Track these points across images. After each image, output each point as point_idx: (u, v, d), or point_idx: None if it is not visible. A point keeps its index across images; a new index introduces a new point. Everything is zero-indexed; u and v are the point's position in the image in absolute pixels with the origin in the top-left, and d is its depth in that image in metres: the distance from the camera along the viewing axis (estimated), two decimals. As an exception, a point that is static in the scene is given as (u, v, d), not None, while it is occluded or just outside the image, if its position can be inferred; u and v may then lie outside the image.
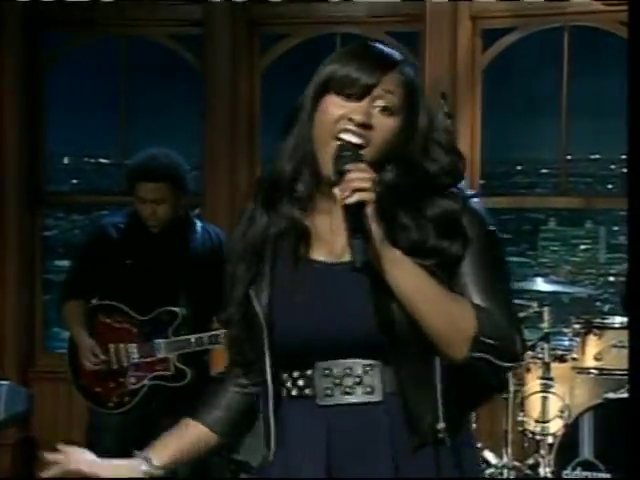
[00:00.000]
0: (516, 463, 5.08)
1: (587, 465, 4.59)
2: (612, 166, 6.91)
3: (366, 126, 2.15)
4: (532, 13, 6.17)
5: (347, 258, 2.14)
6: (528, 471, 4.97)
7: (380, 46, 2.27)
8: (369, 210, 2.05)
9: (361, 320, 2.14)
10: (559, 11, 6.13)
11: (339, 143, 2.14)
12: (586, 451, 4.62)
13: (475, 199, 2.24)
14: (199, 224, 4.94)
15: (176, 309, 4.69)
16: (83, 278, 4.82)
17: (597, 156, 6.82)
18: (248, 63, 6.43)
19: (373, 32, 6.29)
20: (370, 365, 2.17)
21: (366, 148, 2.15)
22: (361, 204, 2.05)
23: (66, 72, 6.65)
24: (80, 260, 4.90)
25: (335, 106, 2.17)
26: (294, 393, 2.22)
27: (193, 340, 4.67)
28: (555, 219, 7.20)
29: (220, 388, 2.41)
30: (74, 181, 7.41)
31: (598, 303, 6.72)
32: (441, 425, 2.16)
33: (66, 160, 7.36)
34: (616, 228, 7.28)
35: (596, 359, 4.77)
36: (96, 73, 6.70)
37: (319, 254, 2.24)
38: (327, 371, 2.19)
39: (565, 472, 4.64)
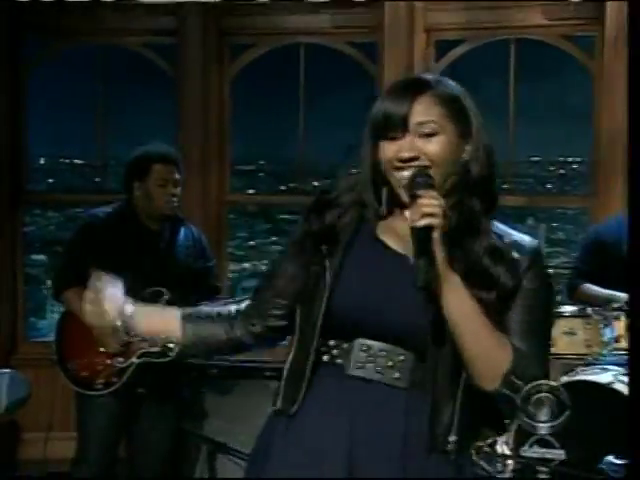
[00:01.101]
0: (478, 442, 5.10)
1: (543, 443, 4.62)
2: (551, 167, 7.01)
3: (413, 158, 2.16)
4: (481, 26, 6.29)
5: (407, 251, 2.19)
6: (487, 449, 4.99)
7: (412, 75, 2.38)
8: (435, 234, 2.08)
9: (412, 315, 2.16)
10: (506, 25, 6.24)
11: (415, 170, 2.16)
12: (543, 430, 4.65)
13: (540, 252, 2.26)
14: (186, 225, 4.93)
15: (162, 288, 4.66)
16: (80, 266, 4.76)
17: (537, 158, 6.90)
18: (218, 71, 6.45)
19: (335, 42, 6.34)
20: (405, 355, 2.19)
21: (427, 170, 2.17)
22: (429, 228, 2.07)
23: (45, 77, 6.60)
24: (75, 249, 4.82)
25: (386, 149, 2.19)
26: (325, 359, 2.24)
27: None
28: (500, 216, 7.26)
29: (224, 313, 2.41)
30: (50, 180, 7.35)
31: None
32: (452, 437, 2.18)
33: (42, 160, 7.31)
34: (555, 224, 7.39)
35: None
36: (74, 78, 6.68)
37: (393, 243, 2.25)
38: (365, 347, 2.20)
39: (523, 449, 4.67)
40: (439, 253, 2.09)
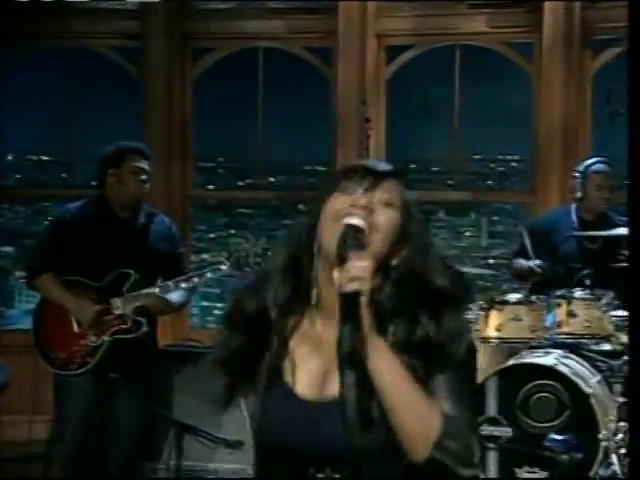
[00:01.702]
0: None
1: (492, 421, 4.70)
2: (492, 165, 7.11)
3: (368, 213, 2.00)
4: (429, 33, 6.37)
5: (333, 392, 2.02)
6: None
7: (374, 164, 2.09)
8: (363, 299, 1.93)
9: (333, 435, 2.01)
10: (452, 31, 6.32)
11: (345, 227, 1.97)
12: (492, 409, 4.74)
13: (465, 318, 2.12)
14: (157, 215, 4.98)
15: (129, 270, 4.71)
16: (53, 254, 4.80)
17: (479, 156, 7.00)
18: (181, 72, 6.48)
19: (291, 47, 6.38)
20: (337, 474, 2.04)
21: (369, 236, 1.99)
22: (357, 293, 1.92)
23: (15, 78, 6.55)
24: (48, 239, 4.87)
25: (339, 199, 2.03)
26: None
27: (145, 293, 4.69)
28: (444, 210, 7.36)
29: None
30: (17, 176, 7.32)
31: (490, 284, 6.90)
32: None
33: (10, 157, 7.26)
34: (495, 218, 7.49)
35: (497, 330, 4.88)
36: (42, 79, 6.65)
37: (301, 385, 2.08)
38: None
39: None
40: (365, 318, 1.94)
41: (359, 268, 1.91)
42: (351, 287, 1.91)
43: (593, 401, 4.60)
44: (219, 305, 6.95)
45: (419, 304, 2.04)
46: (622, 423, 4.70)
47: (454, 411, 1.99)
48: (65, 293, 4.71)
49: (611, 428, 4.65)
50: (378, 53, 6.33)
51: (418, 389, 1.98)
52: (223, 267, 4.69)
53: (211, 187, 6.99)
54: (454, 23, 6.31)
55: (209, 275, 4.75)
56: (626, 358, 4.83)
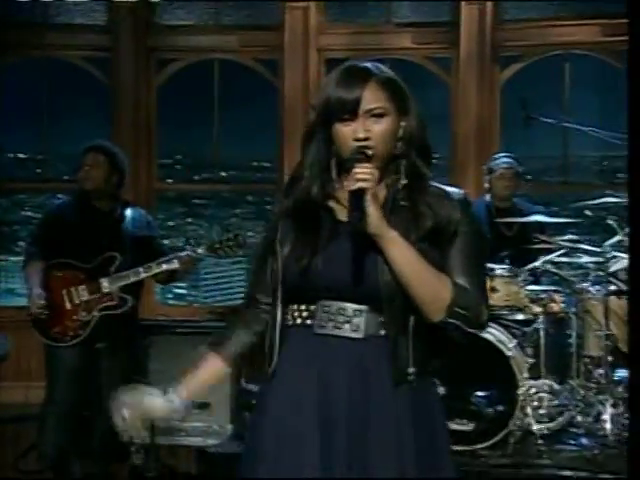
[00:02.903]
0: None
1: None
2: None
3: (368, 138, 2.10)
4: (362, 48, 6.43)
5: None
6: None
7: (358, 64, 2.19)
8: (367, 196, 2.04)
9: (361, 275, 2.11)
10: (382, 47, 6.42)
11: (353, 149, 2.09)
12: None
13: (468, 201, 2.21)
14: (133, 207, 5.01)
15: (115, 253, 4.74)
16: (41, 244, 4.81)
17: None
18: (146, 80, 6.48)
19: (243, 59, 6.42)
20: (359, 310, 2.14)
21: (373, 150, 2.10)
22: (361, 190, 2.04)
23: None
24: (40, 230, 4.90)
25: (341, 132, 2.13)
26: (298, 322, 2.18)
27: (130, 272, 4.72)
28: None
29: (238, 323, 2.30)
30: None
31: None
32: (411, 369, 2.13)
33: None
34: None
35: None
36: (22, 86, 6.58)
37: (341, 214, 2.17)
38: (326, 308, 2.15)
39: None
40: (373, 212, 2.04)
41: (361, 171, 2.04)
42: (355, 186, 2.03)
43: (512, 362, 4.75)
44: (178, 284, 6.96)
45: (422, 199, 2.13)
46: (532, 381, 4.88)
47: (464, 281, 2.09)
48: (34, 281, 4.70)
49: (525, 385, 4.81)
50: (319, 65, 6.41)
51: (429, 266, 2.08)
52: (200, 250, 4.73)
53: (170, 181, 6.99)
54: (384, 40, 6.43)
55: (188, 257, 4.77)
56: (535, 325, 5.02)
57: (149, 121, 6.49)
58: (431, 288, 2.08)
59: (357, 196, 2.05)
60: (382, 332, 2.13)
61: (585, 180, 6.56)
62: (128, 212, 4.96)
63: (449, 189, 2.21)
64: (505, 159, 5.56)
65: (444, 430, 2.26)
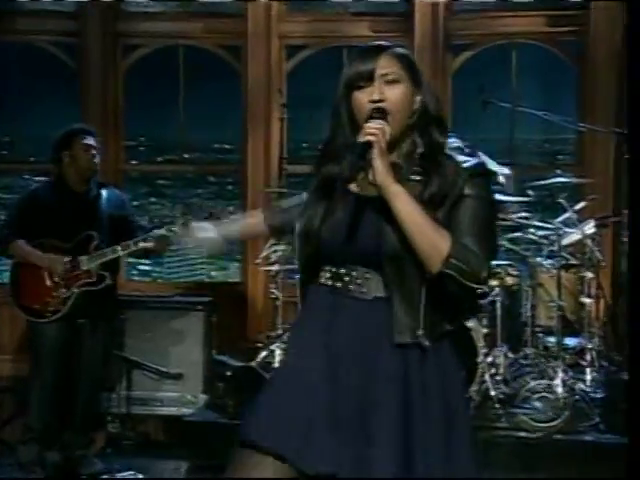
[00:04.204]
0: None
1: None
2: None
3: (382, 100, 2.16)
4: (321, 35, 6.43)
5: (369, 193, 2.18)
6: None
7: (373, 42, 2.28)
8: (375, 149, 2.10)
9: (367, 240, 2.19)
10: (339, 35, 6.41)
11: (370, 110, 2.16)
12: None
13: (479, 170, 2.24)
14: (108, 187, 4.97)
15: (93, 232, 4.71)
16: (20, 225, 4.74)
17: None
18: (113, 66, 6.37)
19: (207, 45, 6.36)
20: (367, 272, 2.21)
21: (388, 113, 2.16)
22: (369, 143, 2.10)
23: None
24: (18, 212, 4.83)
25: (358, 98, 2.20)
26: (322, 280, 2.29)
27: (108, 250, 4.68)
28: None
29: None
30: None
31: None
32: (420, 331, 2.15)
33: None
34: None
35: None
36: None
37: (358, 188, 2.26)
38: (342, 270, 2.24)
39: None
40: (380, 165, 2.10)
41: (372, 127, 2.11)
42: (364, 138, 2.10)
43: (473, 333, 4.84)
44: (142, 261, 6.89)
45: (435, 169, 2.19)
46: (489, 350, 4.97)
47: (469, 241, 2.13)
48: (36, 252, 4.67)
49: (483, 354, 4.91)
50: (280, 51, 6.37)
51: (430, 220, 2.13)
52: (175, 229, 4.71)
53: (134, 162, 6.92)
54: (341, 28, 6.40)
55: (164, 235, 4.74)
56: (491, 298, 5.09)
57: (116, 104, 6.38)
58: (430, 239, 2.12)
59: (364, 148, 2.10)
60: (391, 294, 2.19)
61: (529, 162, 6.66)
62: (103, 192, 4.93)
63: (462, 158, 2.23)
64: (455, 138, 5.61)
65: (459, 394, 2.29)
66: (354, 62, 2.23)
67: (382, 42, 2.28)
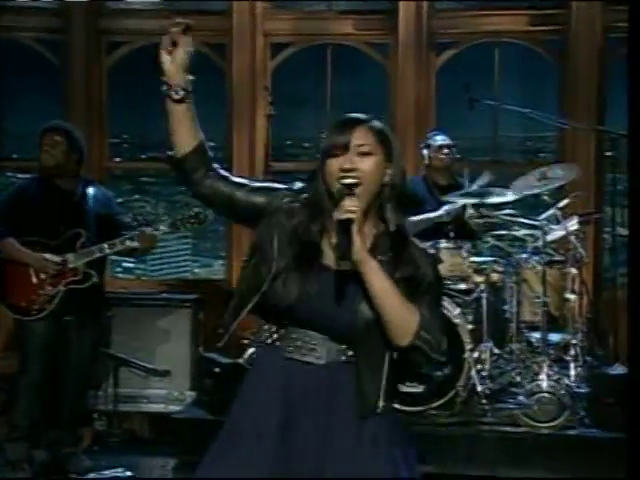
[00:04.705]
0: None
1: None
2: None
3: (352, 170, 2.19)
4: (305, 33, 6.42)
5: (342, 266, 2.19)
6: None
7: (351, 115, 2.29)
8: (354, 226, 2.14)
9: (340, 313, 2.22)
10: (324, 33, 6.41)
11: (340, 186, 2.19)
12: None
13: (437, 258, 2.36)
14: (94, 185, 4.93)
15: (80, 230, 4.67)
16: (7, 223, 4.69)
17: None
18: (97, 63, 6.34)
19: (192, 42, 6.30)
20: (324, 339, 2.24)
21: (359, 184, 2.19)
22: (348, 220, 2.14)
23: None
24: (5, 209, 4.76)
25: (331, 165, 2.22)
26: (268, 341, 2.29)
27: (95, 248, 4.65)
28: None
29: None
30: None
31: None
32: (382, 403, 2.21)
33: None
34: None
35: None
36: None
37: (328, 258, 2.27)
38: (295, 334, 2.26)
39: None
40: (357, 241, 2.15)
41: (349, 204, 2.15)
42: (343, 216, 2.14)
43: (459, 329, 4.85)
44: (126, 259, 6.86)
45: (406, 248, 2.25)
46: (475, 345, 4.98)
47: (428, 314, 2.20)
48: (24, 251, 4.63)
49: (468, 349, 4.91)
50: (264, 49, 6.36)
51: (402, 296, 2.19)
52: (162, 227, 4.69)
53: (118, 159, 6.87)
54: (326, 26, 6.40)
55: (150, 233, 4.71)
56: (476, 294, 5.11)
57: (100, 102, 6.34)
58: (402, 313, 2.19)
59: (345, 226, 2.15)
60: (346, 360, 2.23)
61: (511, 159, 6.69)
62: (90, 190, 4.89)
63: (423, 246, 2.32)
64: (441, 135, 5.64)
65: (411, 457, 2.32)
66: (333, 132, 2.26)
67: (360, 115, 2.29)
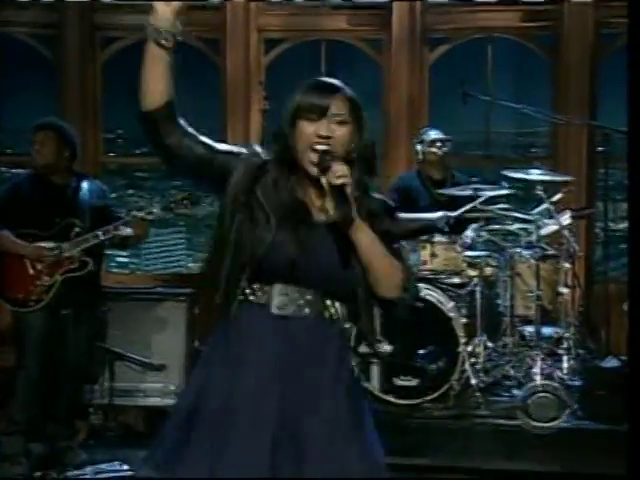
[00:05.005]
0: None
1: (375, 341, 4.85)
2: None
3: (329, 137, 2.23)
4: (299, 29, 6.42)
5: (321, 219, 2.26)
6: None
7: (327, 79, 2.35)
8: (348, 189, 2.20)
9: (321, 266, 2.26)
10: (318, 28, 6.42)
11: (319, 152, 2.22)
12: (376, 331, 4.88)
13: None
14: (88, 178, 4.94)
15: (74, 220, 4.67)
16: (4, 217, 4.70)
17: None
18: (91, 58, 6.33)
19: (186, 37, 6.28)
20: (311, 294, 2.27)
21: (331, 152, 2.23)
22: (343, 185, 2.20)
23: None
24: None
25: (305, 129, 2.25)
26: (252, 299, 2.26)
27: (90, 236, 4.65)
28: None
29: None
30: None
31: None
32: (363, 349, 2.37)
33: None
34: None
35: None
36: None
37: (316, 215, 2.30)
38: (283, 291, 2.26)
39: (359, 347, 4.91)
40: (351, 204, 2.20)
41: (341, 169, 2.20)
42: (339, 181, 2.19)
43: (453, 323, 4.87)
44: (120, 253, 6.85)
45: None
46: (469, 339, 5.00)
47: (405, 264, 2.32)
48: (19, 243, 4.63)
49: (462, 342, 4.93)
50: (259, 44, 6.37)
51: (387, 251, 2.27)
52: (155, 210, 4.69)
53: (112, 154, 6.86)
54: (320, 21, 6.41)
55: (143, 217, 4.70)
56: (470, 288, 5.13)
57: (94, 97, 6.34)
58: (391, 268, 2.27)
59: (340, 190, 2.22)
60: (329, 316, 2.29)
61: (503, 153, 6.71)
62: (84, 184, 4.89)
63: (380, 197, 2.43)
64: (434, 129, 5.66)
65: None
66: (308, 95, 2.28)
67: (334, 80, 2.34)
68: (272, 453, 2.19)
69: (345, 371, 2.33)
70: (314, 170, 2.24)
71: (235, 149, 2.35)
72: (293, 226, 2.26)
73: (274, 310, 2.25)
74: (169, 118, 2.30)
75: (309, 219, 2.29)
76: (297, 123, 2.26)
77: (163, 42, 2.29)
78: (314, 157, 2.24)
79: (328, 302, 2.28)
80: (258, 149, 2.36)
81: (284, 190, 2.29)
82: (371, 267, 2.25)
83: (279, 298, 2.26)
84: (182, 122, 2.31)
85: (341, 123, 2.25)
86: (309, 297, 2.26)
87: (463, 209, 5.12)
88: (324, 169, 2.22)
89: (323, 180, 2.22)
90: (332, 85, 2.31)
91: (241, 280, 2.27)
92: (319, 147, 2.23)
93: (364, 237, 2.24)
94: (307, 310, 2.26)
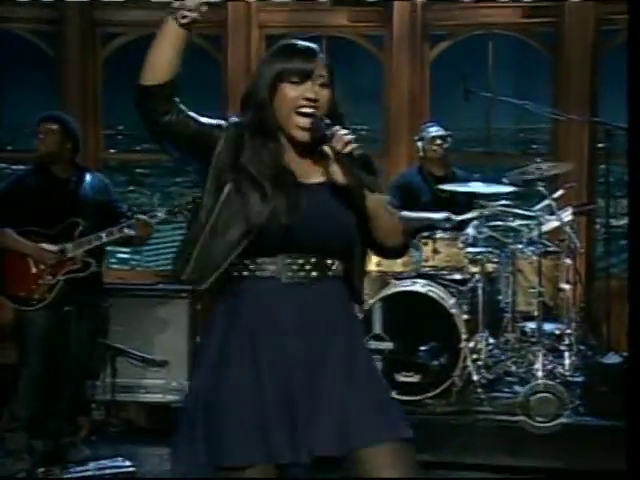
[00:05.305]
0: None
1: (377, 337, 4.87)
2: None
3: (316, 100, 2.23)
4: (300, 25, 6.39)
5: (318, 179, 2.27)
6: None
7: (304, 43, 2.34)
8: (355, 154, 2.19)
9: (322, 229, 2.25)
10: (319, 24, 6.40)
11: (311, 116, 2.21)
12: (377, 328, 4.94)
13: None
14: (90, 171, 4.93)
15: (77, 219, 4.67)
16: (5, 211, 4.69)
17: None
18: (92, 54, 6.32)
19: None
20: (317, 258, 2.26)
21: (316, 115, 2.22)
22: (352, 150, 2.18)
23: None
24: (3, 199, 4.75)
25: (289, 92, 2.23)
26: (258, 274, 2.25)
27: (93, 237, 4.64)
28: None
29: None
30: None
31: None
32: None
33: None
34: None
35: (377, 265, 5.05)
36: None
37: (304, 178, 2.29)
38: (288, 260, 2.24)
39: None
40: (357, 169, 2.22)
41: (345, 132, 2.17)
42: (348, 148, 2.16)
43: (455, 319, 4.88)
44: (122, 249, 6.85)
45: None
46: (471, 335, 5.01)
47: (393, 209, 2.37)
48: (22, 241, 4.63)
49: (463, 338, 4.94)
50: (260, 41, 6.36)
51: (389, 208, 2.33)
52: (159, 214, 4.68)
53: (112, 151, 6.85)
54: (321, 17, 6.40)
55: (147, 221, 4.69)
56: (472, 284, 5.13)
57: (95, 93, 6.33)
58: (394, 221, 2.35)
59: (350, 156, 2.18)
60: (332, 274, 2.29)
61: (504, 150, 6.71)
62: (87, 177, 4.88)
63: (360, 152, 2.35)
64: (435, 126, 5.65)
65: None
66: (292, 57, 2.27)
67: (311, 43, 2.34)
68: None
69: (356, 325, 2.40)
70: (303, 134, 2.23)
71: (217, 121, 2.31)
72: (285, 193, 2.23)
73: (285, 280, 2.23)
74: (167, 97, 2.25)
75: (298, 183, 2.27)
76: (279, 87, 2.24)
77: (182, 19, 2.23)
78: (302, 121, 2.22)
79: (329, 261, 2.28)
80: (235, 118, 2.32)
81: (269, 157, 2.25)
82: (379, 223, 2.29)
83: (287, 267, 2.24)
84: (177, 99, 2.27)
85: (323, 85, 2.25)
86: (313, 260, 2.26)
87: (467, 215, 5.13)
88: (322, 136, 2.19)
89: (326, 148, 2.20)
90: (312, 48, 2.31)
91: (236, 257, 2.22)
92: (306, 110, 2.22)
93: (370, 197, 2.25)
94: (314, 273, 2.25)
